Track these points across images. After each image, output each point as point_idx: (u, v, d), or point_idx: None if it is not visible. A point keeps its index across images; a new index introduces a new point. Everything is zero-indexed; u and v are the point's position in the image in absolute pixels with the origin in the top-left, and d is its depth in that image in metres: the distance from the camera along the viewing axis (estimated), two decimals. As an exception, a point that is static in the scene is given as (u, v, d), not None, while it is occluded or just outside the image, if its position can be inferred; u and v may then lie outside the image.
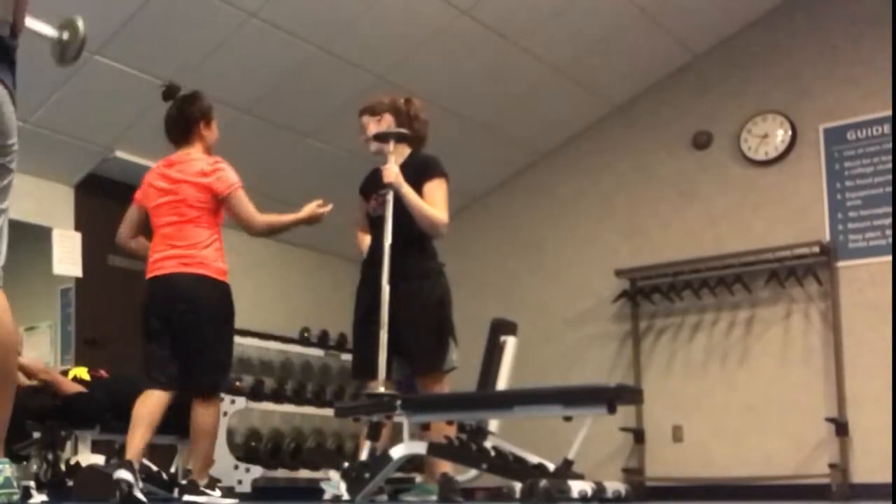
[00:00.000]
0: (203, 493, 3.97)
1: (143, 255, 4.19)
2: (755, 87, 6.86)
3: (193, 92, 4.32)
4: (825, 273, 6.41)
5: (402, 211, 3.94)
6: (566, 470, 3.29)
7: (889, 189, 6.25)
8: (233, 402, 6.52)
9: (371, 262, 4.01)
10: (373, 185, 4.11)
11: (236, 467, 6.40)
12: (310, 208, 4.18)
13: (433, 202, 3.95)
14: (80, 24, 2.78)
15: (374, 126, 4.10)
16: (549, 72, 6.77)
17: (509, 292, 7.58)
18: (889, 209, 6.24)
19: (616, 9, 6.30)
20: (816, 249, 6.37)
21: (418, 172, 4.01)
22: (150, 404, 3.92)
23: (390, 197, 3.94)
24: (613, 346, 7.26)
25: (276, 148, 6.72)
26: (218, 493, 4.07)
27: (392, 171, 3.93)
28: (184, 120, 4.18)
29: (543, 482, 3.21)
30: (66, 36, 2.81)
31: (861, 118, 6.45)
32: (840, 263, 6.42)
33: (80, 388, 5.04)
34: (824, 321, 6.44)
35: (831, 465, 6.13)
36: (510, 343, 4.18)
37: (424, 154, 4.16)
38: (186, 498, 3.93)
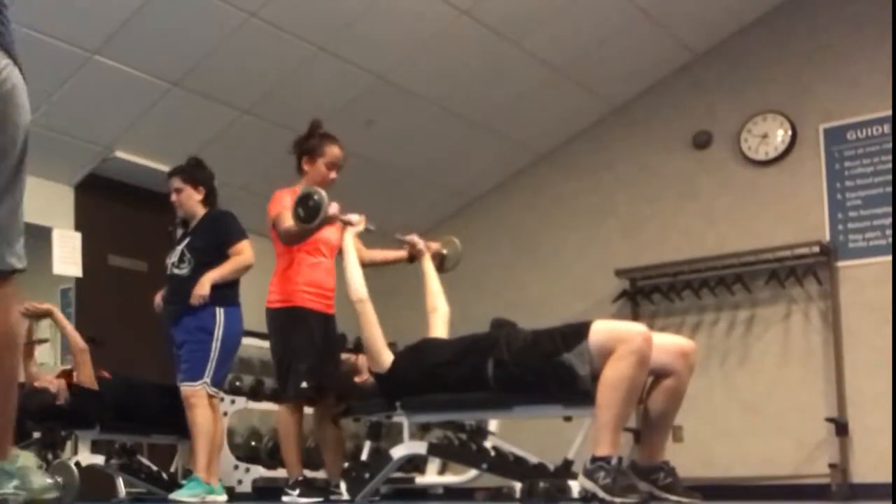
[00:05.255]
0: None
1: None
2: (755, 87, 6.86)
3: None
4: (825, 273, 6.41)
5: None
6: (566, 470, 3.29)
7: (889, 189, 6.25)
8: (233, 402, 6.51)
9: None
10: None
11: (236, 467, 6.39)
12: None
13: None
14: None
15: None
16: (548, 72, 6.77)
17: (509, 292, 7.58)
18: (889, 209, 6.24)
19: (616, 9, 6.30)
20: (816, 249, 6.37)
21: None
22: None
23: None
24: (613, 346, 7.24)
25: (276, 148, 6.70)
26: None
27: None
28: None
29: (543, 482, 3.20)
30: None
31: (861, 118, 6.45)
32: (840, 263, 6.42)
33: (94, 386, 5.08)
34: (824, 321, 6.43)
35: (831, 465, 6.13)
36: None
37: None
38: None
